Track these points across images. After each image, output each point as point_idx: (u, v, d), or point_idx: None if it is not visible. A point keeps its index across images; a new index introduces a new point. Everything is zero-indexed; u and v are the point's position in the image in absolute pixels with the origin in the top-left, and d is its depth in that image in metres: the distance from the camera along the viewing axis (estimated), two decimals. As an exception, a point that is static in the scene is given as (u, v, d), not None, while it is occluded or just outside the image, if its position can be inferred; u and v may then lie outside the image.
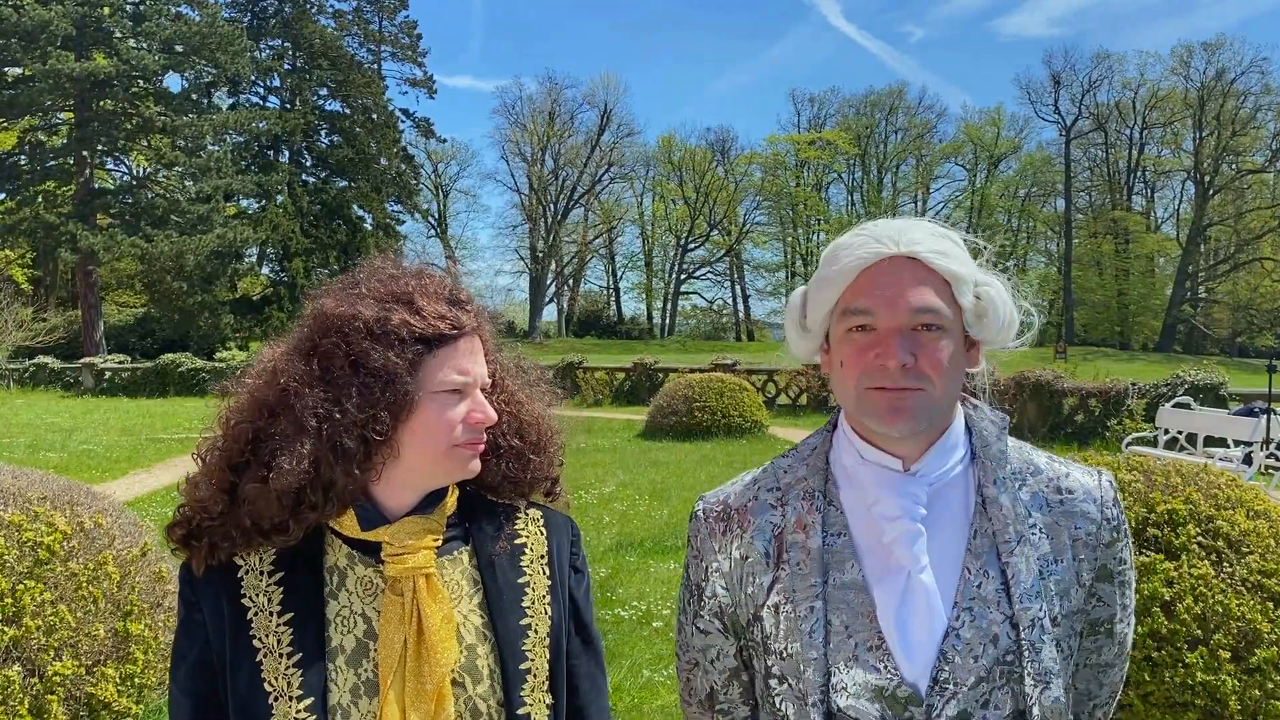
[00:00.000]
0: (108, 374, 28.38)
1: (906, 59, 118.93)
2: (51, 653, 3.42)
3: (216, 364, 28.49)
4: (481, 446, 1.38)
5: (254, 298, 52.35)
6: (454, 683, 1.35)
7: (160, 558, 4.15)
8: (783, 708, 1.34)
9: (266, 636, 1.33)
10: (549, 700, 1.40)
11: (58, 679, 3.39)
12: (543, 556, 1.47)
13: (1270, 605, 3.43)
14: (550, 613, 1.44)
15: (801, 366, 24.95)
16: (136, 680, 3.70)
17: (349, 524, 1.39)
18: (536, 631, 1.41)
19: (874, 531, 1.32)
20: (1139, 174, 72.36)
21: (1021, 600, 1.26)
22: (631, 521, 8.89)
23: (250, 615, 1.34)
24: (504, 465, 1.45)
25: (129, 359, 30.80)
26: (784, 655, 1.32)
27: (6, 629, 3.35)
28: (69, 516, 3.77)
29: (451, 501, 1.44)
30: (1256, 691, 3.26)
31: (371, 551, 1.38)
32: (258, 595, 1.35)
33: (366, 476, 1.37)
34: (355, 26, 61.94)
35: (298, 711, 1.31)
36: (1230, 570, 3.43)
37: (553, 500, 1.55)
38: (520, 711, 1.37)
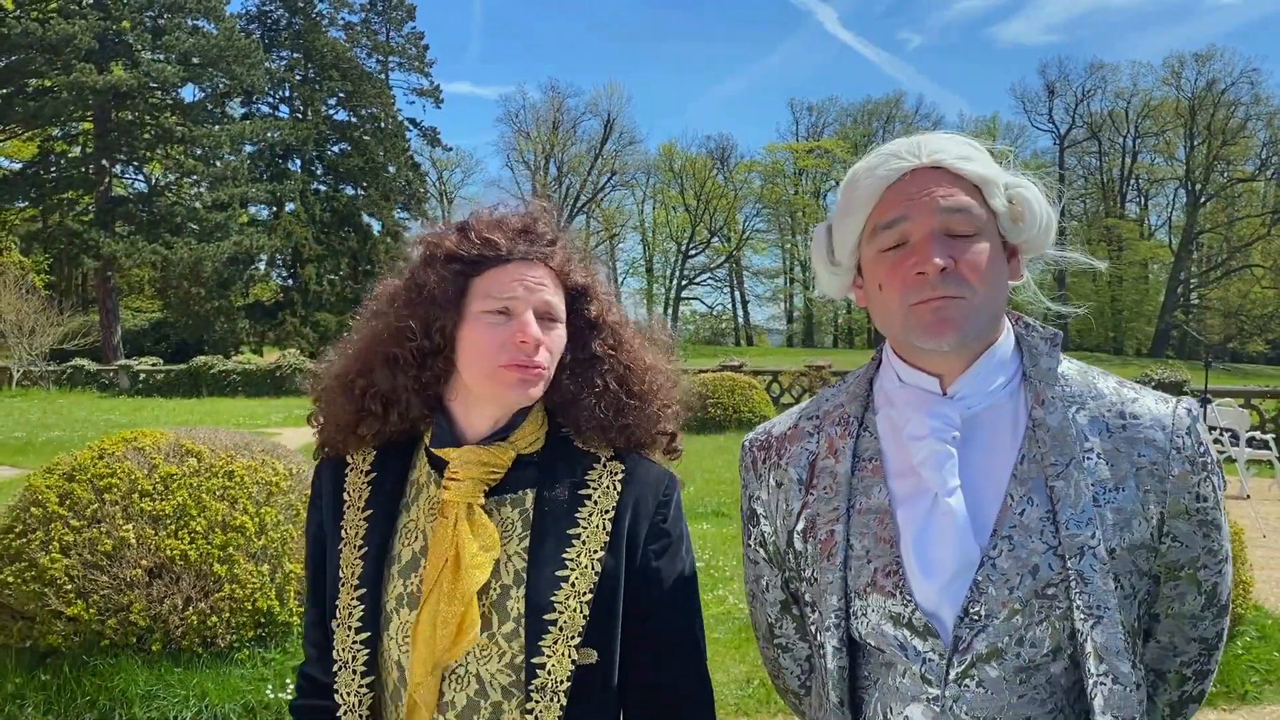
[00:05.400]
0: (142, 375, 29.82)
1: (904, 65, 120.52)
2: (287, 558, 4.70)
3: (246, 366, 29.93)
4: (532, 372, 1.37)
5: (266, 303, 53.58)
6: (482, 618, 1.38)
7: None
8: (819, 638, 1.30)
9: (349, 529, 1.46)
10: (576, 656, 1.36)
11: (293, 576, 4.68)
12: (608, 511, 1.43)
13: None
14: (600, 569, 1.40)
15: (803, 367, 26.13)
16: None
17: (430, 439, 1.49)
18: (574, 585, 1.38)
19: (907, 456, 1.28)
20: (1132, 182, 73.69)
21: (1068, 527, 1.18)
22: (664, 497, 10.24)
23: (345, 507, 1.48)
24: (598, 407, 1.45)
25: (160, 361, 32.13)
26: (812, 581, 1.31)
27: (257, 539, 4.64)
28: (284, 464, 5.07)
29: (527, 437, 1.46)
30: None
31: (444, 472, 1.44)
32: (353, 491, 1.49)
33: (428, 389, 1.46)
34: (364, 38, 63.25)
35: (352, 600, 1.42)
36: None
37: (670, 457, 1.54)
38: (536, 660, 1.35)
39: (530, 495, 1.43)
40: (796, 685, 1.50)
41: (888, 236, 1.23)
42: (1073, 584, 1.16)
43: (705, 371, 21.69)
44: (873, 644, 1.25)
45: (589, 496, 1.43)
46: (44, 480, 4.73)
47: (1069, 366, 1.30)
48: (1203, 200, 67.69)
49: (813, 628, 1.32)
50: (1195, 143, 67.42)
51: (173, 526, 4.51)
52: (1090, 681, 1.16)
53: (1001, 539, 1.20)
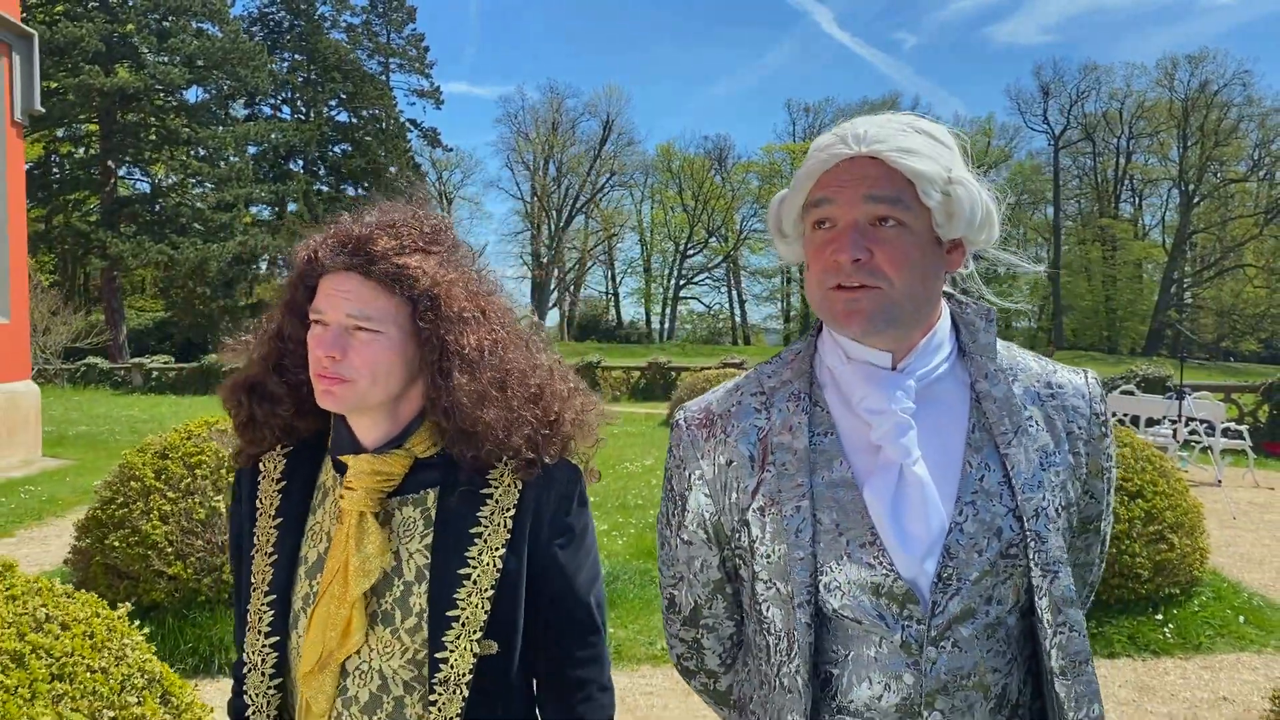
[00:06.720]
0: (155, 373, 30.37)
1: (901, 66, 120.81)
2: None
3: (255, 364, 30.43)
4: (332, 383, 1.38)
5: (270, 302, 53.83)
6: (385, 614, 1.41)
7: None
8: (769, 615, 1.30)
9: (260, 535, 1.48)
10: (478, 650, 1.39)
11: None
12: (509, 509, 1.44)
13: (1126, 499, 5.40)
14: (502, 566, 1.42)
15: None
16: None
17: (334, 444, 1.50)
18: (476, 583, 1.40)
19: (862, 431, 1.29)
20: (1126, 182, 73.76)
21: (1024, 490, 1.24)
22: (674, 484, 10.81)
23: (259, 514, 1.50)
24: (444, 416, 1.43)
25: (172, 359, 32.72)
26: (770, 558, 1.29)
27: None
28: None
29: (424, 442, 1.47)
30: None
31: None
32: (265, 499, 1.50)
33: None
34: (365, 40, 63.79)
35: (262, 605, 1.45)
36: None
37: (527, 471, 1.46)
38: (439, 655, 1.38)
39: (431, 495, 1.45)
40: (715, 664, 1.51)
41: (815, 213, 1.26)
42: (1030, 543, 1.23)
43: (707, 369, 22.26)
44: (848, 616, 1.26)
45: (490, 495, 1.45)
46: (139, 458, 5.35)
47: (998, 343, 1.36)
48: (1196, 200, 67.95)
49: (765, 605, 1.31)
50: (1188, 143, 67.57)
51: (257, 498, 5.14)
52: (1049, 631, 1.24)
53: (966, 505, 1.25)
